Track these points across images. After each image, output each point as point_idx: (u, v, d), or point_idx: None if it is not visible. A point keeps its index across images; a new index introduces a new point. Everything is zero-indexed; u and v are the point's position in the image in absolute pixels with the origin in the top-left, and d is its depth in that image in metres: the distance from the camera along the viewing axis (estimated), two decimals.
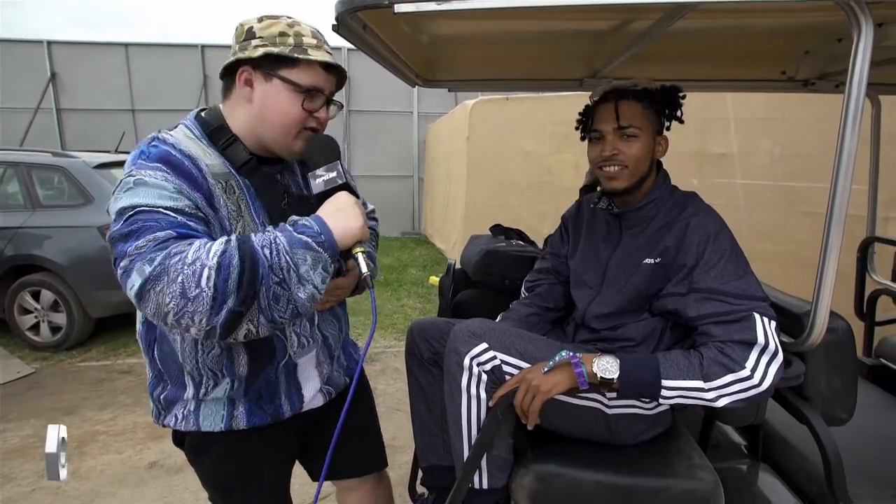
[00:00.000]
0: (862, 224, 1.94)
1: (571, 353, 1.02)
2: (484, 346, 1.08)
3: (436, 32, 1.24)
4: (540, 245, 2.10)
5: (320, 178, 0.93)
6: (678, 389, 0.98)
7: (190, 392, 0.98)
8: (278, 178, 1.03)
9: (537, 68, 1.65)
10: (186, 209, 0.83)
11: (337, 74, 0.98)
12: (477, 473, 1.11)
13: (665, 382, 0.98)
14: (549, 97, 4.75)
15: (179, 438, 1.06)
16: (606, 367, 0.98)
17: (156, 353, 0.98)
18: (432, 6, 0.82)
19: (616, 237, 1.24)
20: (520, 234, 2.12)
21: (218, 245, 0.78)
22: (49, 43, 8.34)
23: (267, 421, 1.02)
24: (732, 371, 0.97)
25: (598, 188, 1.33)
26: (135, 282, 0.76)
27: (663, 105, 1.17)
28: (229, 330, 0.78)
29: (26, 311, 3.79)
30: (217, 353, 0.96)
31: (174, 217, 0.80)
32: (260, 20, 0.93)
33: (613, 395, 1.06)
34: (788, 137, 3.26)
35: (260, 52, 0.90)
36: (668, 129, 1.21)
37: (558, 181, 4.71)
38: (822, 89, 1.64)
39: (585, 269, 1.29)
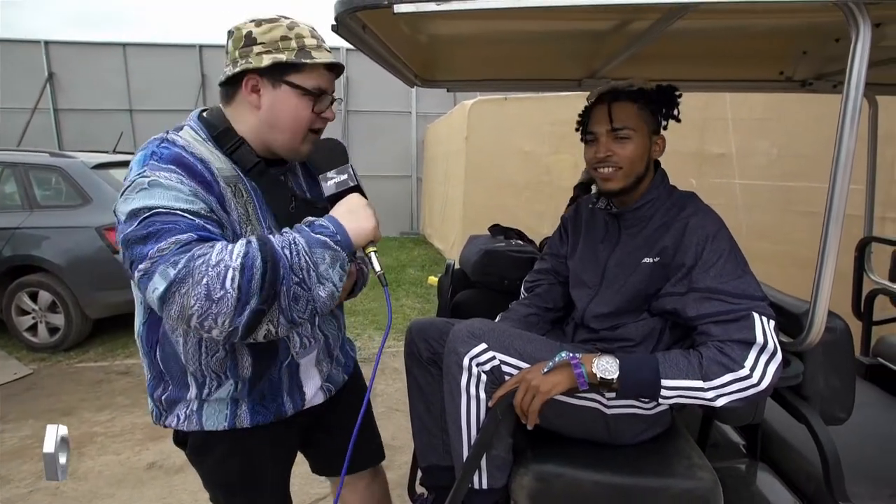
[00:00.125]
0: (859, 224, 1.95)
1: (571, 354, 1.02)
2: (483, 346, 1.08)
3: (435, 32, 1.25)
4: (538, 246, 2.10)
5: (331, 181, 0.94)
6: (677, 389, 0.98)
7: (193, 392, 0.98)
8: (284, 181, 1.03)
9: (536, 68, 1.66)
10: (202, 212, 0.83)
11: (337, 71, 0.99)
12: (476, 473, 1.11)
13: (664, 382, 0.98)
14: (547, 97, 4.75)
15: (181, 439, 1.06)
16: (606, 367, 0.98)
17: (158, 354, 0.98)
18: (432, 6, 0.82)
19: (615, 237, 1.24)
20: (519, 234, 2.12)
21: (240, 247, 0.79)
22: (46, 43, 8.31)
23: (270, 419, 1.03)
24: (731, 371, 0.97)
25: (594, 187, 1.33)
26: (158, 285, 0.77)
27: (660, 105, 1.17)
28: (250, 330, 0.79)
29: (24, 312, 3.78)
30: (221, 356, 0.96)
31: (192, 220, 0.81)
32: (258, 24, 0.92)
33: (613, 395, 1.07)
34: (787, 137, 3.27)
35: (268, 61, 0.90)
36: (665, 128, 1.21)
37: (557, 181, 4.72)
38: (819, 89, 1.64)
39: (584, 269, 1.29)
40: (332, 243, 0.84)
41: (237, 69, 0.92)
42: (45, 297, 3.71)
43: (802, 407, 1.14)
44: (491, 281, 1.83)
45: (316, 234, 0.84)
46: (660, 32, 1.15)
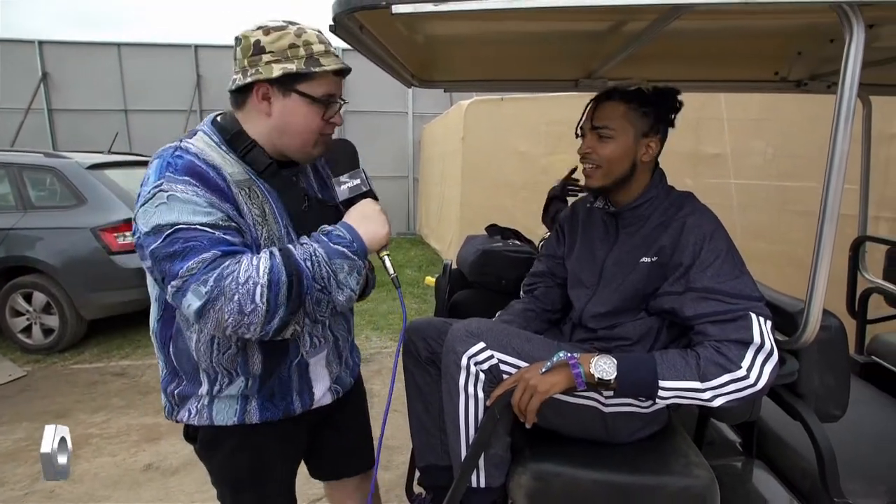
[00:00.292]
0: (853, 223, 1.96)
1: (569, 354, 1.02)
2: (481, 345, 1.08)
3: (432, 33, 1.25)
4: (536, 244, 2.10)
5: (345, 185, 0.98)
6: (675, 390, 0.99)
7: (204, 388, 1.01)
8: (296, 181, 1.05)
9: (533, 69, 1.66)
10: (221, 222, 0.87)
11: (345, 74, 1.00)
12: (475, 472, 1.11)
13: (662, 383, 0.98)
14: (543, 98, 4.76)
15: (191, 434, 1.08)
16: (604, 367, 0.99)
17: (171, 350, 1.01)
18: (430, 7, 0.82)
19: (613, 236, 1.25)
20: (516, 234, 2.12)
21: (265, 262, 0.85)
22: (40, 42, 8.26)
23: (279, 416, 1.05)
24: (728, 371, 0.98)
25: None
26: (192, 302, 0.84)
27: (655, 107, 1.15)
28: (279, 332, 0.89)
29: (18, 314, 3.75)
30: (233, 353, 0.98)
31: (212, 233, 0.86)
32: (266, 33, 0.93)
33: (610, 393, 1.07)
34: (782, 138, 3.29)
35: (277, 71, 0.91)
36: (659, 131, 1.17)
37: (553, 182, 4.72)
38: (814, 90, 1.65)
39: (582, 268, 1.29)
40: (349, 253, 0.91)
41: (248, 79, 0.93)
42: (39, 298, 3.69)
43: (798, 404, 1.15)
44: (488, 281, 1.83)
45: (335, 244, 0.91)
46: (656, 33, 1.15)
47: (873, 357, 1.86)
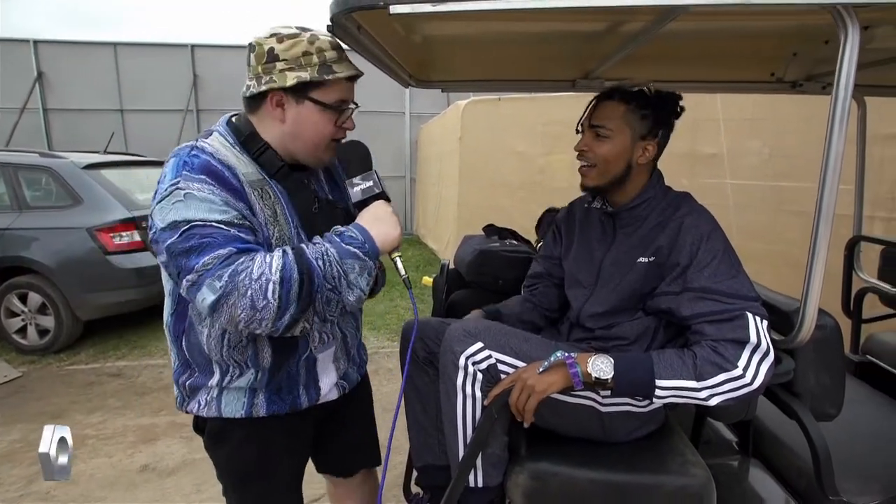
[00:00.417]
0: (849, 223, 1.97)
1: (566, 354, 1.02)
2: (479, 345, 1.08)
3: (430, 33, 1.25)
4: (533, 244, 2.11)
5: (357, 187, 1.00)
6: (672, 389, 0.99)
7: (216, 378, 1.03)
8: (307, 184, 1.07)
9: (530, 69, 1.66)
10: (235, 220, 0.89)
11: (357, 79, 1.02)
12: (472, 472, 1.11)
13: (659, 382, 0.99)
14: (541, 98, 4.77)
15: (200, 426, 1.10)
16: (601, 367, 0.99)
17: (184, 343, 1.03)
18: (427, 8, 0.83)
19: (610, 236, 1.25)
20: (513, 234, 2.12)
21: (278, 260, 0.87)
22: (35, 42, 8.22)
23: (285, 410, 1.06)
24: (725, 370, 0.98)
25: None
26: (206, 296, 0.85)
27: (655, 110, 1.15)
28: (289, 329, 0.91)
29: (13, 314, 3.73)
30: (243, 345, 1.00)
31: (227, 230, 0.87)
32: (280, 40, 0.94)
33: (607, 393, 1.07)
34: (777, 138, 3.30)
35: (292, 80, 0.93)
36: (658, 135, 1.17)
37: (550, 182, 4.73)
38: (809, 90, 1.66)
39: (580, 268, 1.30)
40: (360, 254, 0.92)
41: (262, 87, 0.94)
42: (34, 298, 3.67)
43: (793, 403, 1.15)
44: (485, 281, 1.84)
45: (346, 245, 0.92)
46: (653, 34, 1.15)
47: (868, 356, 1.87)
